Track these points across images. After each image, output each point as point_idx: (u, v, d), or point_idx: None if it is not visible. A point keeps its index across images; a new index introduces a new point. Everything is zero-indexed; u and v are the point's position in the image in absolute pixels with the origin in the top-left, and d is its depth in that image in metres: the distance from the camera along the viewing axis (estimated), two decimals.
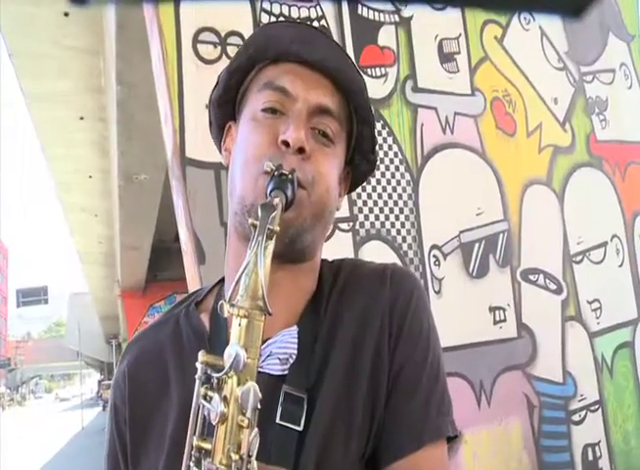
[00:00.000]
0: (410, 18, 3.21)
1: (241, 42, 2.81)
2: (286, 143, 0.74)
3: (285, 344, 0.76)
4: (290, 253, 0.77)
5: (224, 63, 2.72)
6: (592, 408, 3.22)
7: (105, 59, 7.94)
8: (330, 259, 0.88)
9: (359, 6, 3.13)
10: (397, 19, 3.18)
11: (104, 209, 13.85)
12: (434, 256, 2.86)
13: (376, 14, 3.12)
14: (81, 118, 9.72)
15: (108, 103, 8.89)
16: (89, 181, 12.20)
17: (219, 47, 2.71)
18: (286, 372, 0.75)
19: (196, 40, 2.66)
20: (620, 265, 3.56)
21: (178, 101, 2.57)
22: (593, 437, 3.19)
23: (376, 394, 0.74)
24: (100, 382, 44.91)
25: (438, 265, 2.84)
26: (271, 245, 0.64)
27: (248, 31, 2.75)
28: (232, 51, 2.74)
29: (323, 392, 0.72)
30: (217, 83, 0.88)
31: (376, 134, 0.87)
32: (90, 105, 9.36)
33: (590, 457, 3.15)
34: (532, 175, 3.35)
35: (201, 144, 2.52)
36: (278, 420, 0.70)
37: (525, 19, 3.64)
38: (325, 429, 0.71)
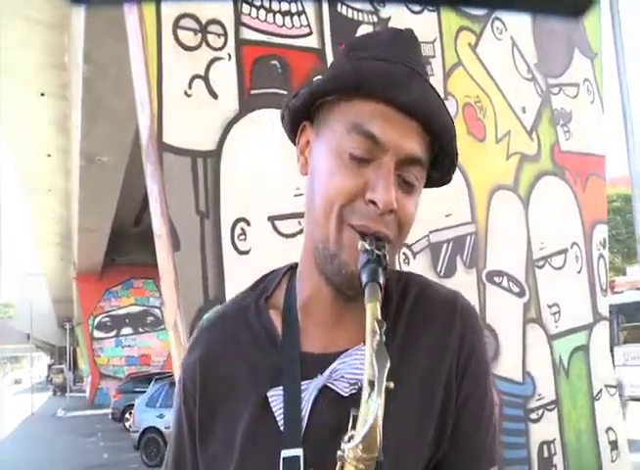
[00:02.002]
0: (388, 19, 3.25)
1: (221, 31, 2.80)
2: (374, 202, 0.73)
3: (355, 366, 0.78)
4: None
5: (204, 50, 2.71)
6: (549, 407, 3.32)
7: (70, 35, 7.75)
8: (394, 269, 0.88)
9: (339, 4, 3.15)
10: (376, 19, 3.21)
11: (62, 188, 13.57)
12: (404, 254, 2.90)
13: (355, 13, 3.15)
14: (42, 95, 9.50)
15: (72, 81, 8.70)
16: (47, 160, 11.92)
17: (200, 34, 2.69)
18: (354, 392, 0.76)
19: (176, 26, 2.63)
20: (579, 272, 3.67)
21: (157, 86, 2.54)
22: (549, 435, 3.29)
23: (444, 424, 0.79)
24: (50, 366, 43.74)
25: (408, 264, 2.89)
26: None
27: (228, 20, 2.74)
28: (212, 39, 2.72)
29: (393, 416, 0.71)
30: (297, 95, 0.82)
31: (456, 162, 0.84)
32: (52, 82, 9.16)
33: (545, 454, 3.25)
34: (500, 181, 3.43)
35: (179, 130, 2.50)
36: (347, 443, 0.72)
37: (497, 28, 3.73)
38: (394, 453, 0.73)
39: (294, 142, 0.87)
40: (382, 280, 0.70)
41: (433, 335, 0.82)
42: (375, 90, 0.75)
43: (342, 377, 0.78)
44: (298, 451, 0.75)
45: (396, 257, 2.82)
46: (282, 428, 0.77)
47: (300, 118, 0.84)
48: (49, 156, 11.79)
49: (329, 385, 0.78)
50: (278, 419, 0.78)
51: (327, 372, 0.79)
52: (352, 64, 0.78)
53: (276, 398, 0.79)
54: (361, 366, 0.75)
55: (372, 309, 0.67)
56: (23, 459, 10.92)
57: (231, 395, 0.81)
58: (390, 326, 0.79)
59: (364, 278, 0.70)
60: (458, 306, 0.86)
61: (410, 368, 0.79)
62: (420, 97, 0.76)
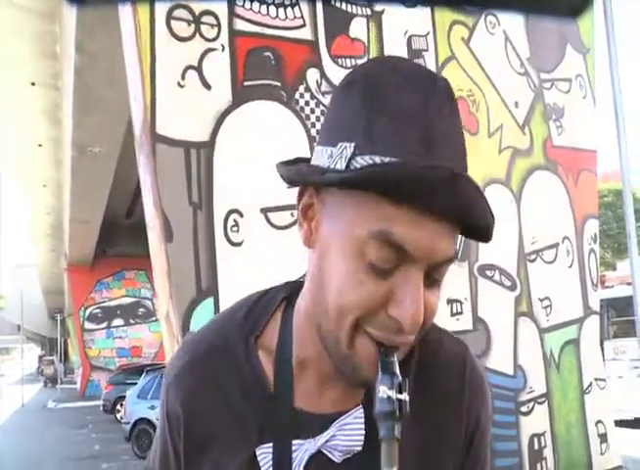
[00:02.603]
0: (382, 12, 3.24)
1: (215, 22, 2.78)
2: (398, 321, 0.64)
3: (352, 436, 0.74)
4: None
5: (198, 41, 2.70)
6: (539, 401, 3.35)
7: (61, 25, 7.68)
8: None
9: None
10: (369, 12, 3.21)
11: (53, 179, 13.44)
12: None
13: (348, 5, 3.14)
14: (33, 84, 9.41)
15: (63, 70, 8.63)
16: (38, 150, 11.81)
17: (193, 25, 2.68)
18: (348, 457, 0.74)
19: (170, 16, 2.62)
20: (570, 266, 3.69)
21: (150, 76, 2.52)
22: (539, 427, 3.32)
23: None
24: (41, 357, 43.56)
25: None
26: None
27: (222, 11, 2.73)
28: (206, 30, 2.71)
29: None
30: (309, 166, 0.73)
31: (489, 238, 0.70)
32: (43, 71, 9.07)
33: (536, 446, 3.28)
34: (492, 175, 3.44)
35: (172, 121, 2.49)
36: None
37: (490, 23, 3.73)
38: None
39: (289, 185, 0.76)
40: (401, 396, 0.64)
41: (437, 405, 0.78)
42: (410, 197, 0.62)
43: (338, 445, 0.74)
44: None
45: None
46: None
47: (305, 188, 0.72)
48: (40, 146, 11.69)
49: (323, 450, 0.74)
50: None
51: (322, 437, 0.74)
52: (379, 163, 0.63)
53: (265, 455, 0.74)
54: (358, 430, 0.73)
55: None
56: (14, 450, 10.89)
57: (217, 444, 0.76)
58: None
59: (380, 430, 0.63)
60: (467, 375, 0.79)
61: (409, 439, 0.73)
62: (463, 201, 0.63)
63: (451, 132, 0.67)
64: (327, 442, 0.73)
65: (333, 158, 0.66)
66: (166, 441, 0.80)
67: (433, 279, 0.66)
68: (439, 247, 0.64)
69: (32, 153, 11.96)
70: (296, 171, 0.73)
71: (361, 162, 0.63)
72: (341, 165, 0.65)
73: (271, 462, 0.73)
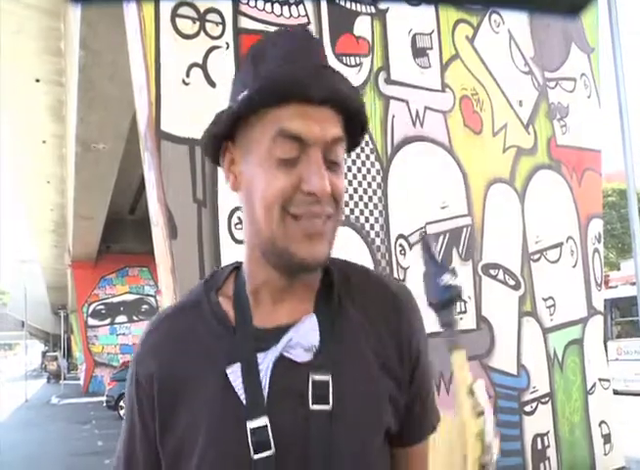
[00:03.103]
0: (386, 10, 3.24)
1: (219, 20, 2.78)
2: (311, 193, 0.79)
3: (308, 333, 0.84)
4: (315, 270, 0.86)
5: (202, 39, 2.70)
6: (543, 400, 3.35)
7: (66, 22, 7.70)
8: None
9: None
10: (373, 10, 3.20)
11: (57, 175, 13.45)
12: (401, 245, 2.91)
13: (353, 3, 3.13)
14: (37, 81, 9.41)
15: (67, 67, 8.63)
16: (42, 146, 11.82)
17: (198, 23, 2.67)
18: (310, 358, 0.82)
19: (175, 14, 2.62)
20: (574, 266, 3.68)
21: (155, 74, 2.52)
22: (542, 427, 3.31)
23: (397, 396, 0.86)
24: (44, 353, 43.57)
25: (404, 255, 2.89)
26: None
27: (226, 9, 2.72)
28: (210, 27, 2.71)
29: (345, 375, 0.81)
30: (215, 122, 0.87)
31: (368, 127, 0.90)
32: (48, 68, 9.07)
33: (539, 446, 3.27)
34: (496, 174, 3.43)
35: (176, 118, 2.49)
36: (311, 405, 0.80)
37: (495, 21, 3.72)
38: (351, 406, 0.81)
39: (216, 163, 0.90)
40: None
41: (377, 323, 0.88)
42: (289, 94, 0.80)
43: (298, 344, 0.83)
44: (264, 420, 0.79)
45: (378, 244, 2.84)
46: (244, 401, 0.80)
47: (221, 140, 0.87)
48: (44, 142, 11.70)
49: (285, 354, 0.82)
50: (240, 393, 0.81)
51: (282, 342, 0.82)
52: (263, 76, 0.82)
53: (234, 373, 0.82)
54: (313, 329, 0.83)
55: None
56: (17, 446, 10.93)
57: (190, 382, 0.84)
58: (336, 303, 0.87)
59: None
60: (400, 295, 0.91)
61: (358, 341, 0.85)
62: (330, 86, 0.82)
63: (316, 45, 0.86)
64: (286, 345, 0.82)
65: (234, 99, 0.82)
66: (134, 417, 0.87)
67: (331, 162, 0.81)
68: (327, 130, 0.79)
69: (36, 149, 11.98)
70: (207, 135, 0.86)
71: (253, 85, 0.80)
72: (237, 96, 0.81)
73: (241, 377, 0.81)
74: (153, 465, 0.86)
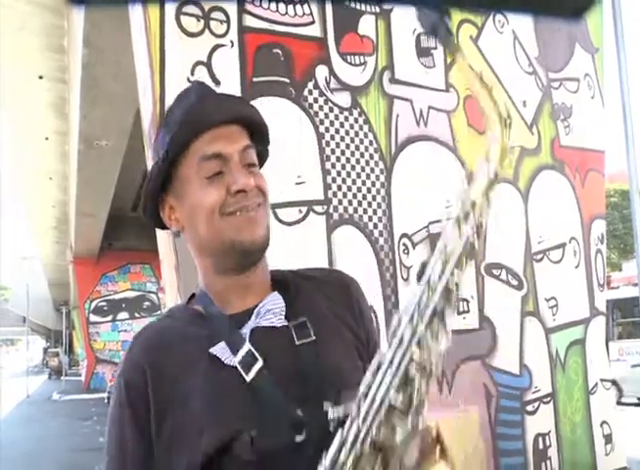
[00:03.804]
0: (390, 10, 3.24)
1: (224, 18, 2.79)
2: (240, 191, 0.95)
3: (274, 302, 0.99)
4: (261, 257, 1.03)
5: (207, 37, 2.70)
6: (545, 400, 3.36)
7: (69, 19, 7.72)
8: None
9: None
10: (378, 9, 3.20)
11: (59, 172, 13.50)
12: (404, 244, 2.92)
13: (357, 3, 3.14)
14: (40, 78, 9.45)
15: (70, 64, 8.66)
16: (45, 143, 11.87)
17: (202, 21, 2.68)
18: (285, 323, 0.97)
19: (179, 12, 2.62)
20: (577, 267, 3.69)
21: (159, 72, 2.53)
22: (544, 427, 3.32)
23: (360, 349, 1.03)
24: (46, 349, 43.65)
25: (407, 254, 2.90)
26: None
27: (231, 7, 2.73)
28: (215, 26, 2.72)
29: (316, 319, 0.98)
30: (149, 180, 1.02)
31: (268, 131, 1.12)
32: (51, 65, 9.11)
33: (541, 446, 3.29)
34: (500, 174, 3.43)
35: None
36: (297, 342, 0.95)
37: (499, 21, 3.72)
38: (329, 338, 0.97)
39: (156, 220, 1.05)
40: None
41: (332, 298, 1.05)
42: (201, 125, 0.97)
43: (268, 311, 0.98)
44: (260, 364, 0.89)
45: (382, 243, 2.85)
46: (236, 363, 0.90)
47: (157, 195, 1.02)
48: (47, 139, 11.74)
49: (260, 324, 0.96)
50: (229, 361, 0.90)
51: (254, 314, 0.97)
52: (170, 130, 0.98)
53: (219, 350, 0.92)
54: (278, 299, 0.99)
55: None
56: (19, 441, 10.96)
57: (180, 372, 0.92)
58: (294, 289, 1.03)
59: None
60: (345, 275, 1.13)
61: (320, 310, 1.02)
62: (231, 109, 1.01)
63: (205, 88, 1.06)
64: (258, 316, 0.96)
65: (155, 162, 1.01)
66: (122, 418, 0.92)
67: (249, 164, 0.99)
68: (237, 142, 0.98)
69: (39, 146, 12.02)
70: (145, 194, 1.03)
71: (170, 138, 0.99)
72: (159, 155, 1.00)
73: (228, 349, 0.92)
74: None
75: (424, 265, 0.81)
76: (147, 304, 21.59)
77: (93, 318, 21.06)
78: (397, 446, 0.75)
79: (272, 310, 0.98)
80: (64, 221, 17.32)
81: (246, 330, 0.95)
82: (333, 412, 0.81)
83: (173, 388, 0.90)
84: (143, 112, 2.70)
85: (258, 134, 1.07)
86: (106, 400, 15.36)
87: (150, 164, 2.72)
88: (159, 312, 20.97)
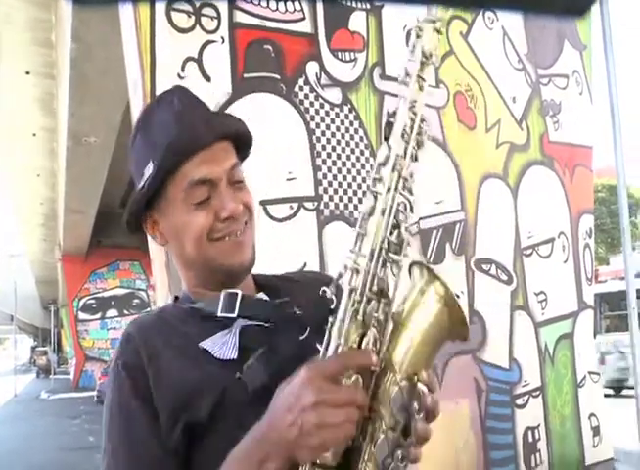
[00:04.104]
0: (381, 6, 3.25)
1: (215, 14, 2.79)
2: (229, 217, 0.95)
3: (260, 298, 1.03)
4: (247, 275, 1.04)
5: (198, 33, 2.70)
6: (534, 394, 3.39)
7: (57, 13, 7.64)
8: None
9: None
10: (368, 6, 3.21)
11: (47, 169, 13.37)
12: None
13: None
14: (27, 73, 9.34)
15: (58, 60, 8.58)
16: (33, 139, 11.74)
17: (193, 17, 2.67)
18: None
19: (170, 8, 2.62)
20: (565, 261, 3.72)
21: (150, 68, 2.52)
22: (534, 420, 3.36)
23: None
24: (33, 348, 43.35)
25: None
26: None
27: (222, 3, 2.72)
28: (206, 22, 2.71)
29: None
30: (133, 201, 1.01)
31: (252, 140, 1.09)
32: (38, 60, 9.00)
33: (530, 439, 3.33)
34: (489, 169, 3.46)
35: None
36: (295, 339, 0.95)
37: (489, 18, 3.73)
38: (313, 316, 0.94)
39: (137, 232, 1.06)
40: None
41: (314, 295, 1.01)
42: (188, 151, 0.95)
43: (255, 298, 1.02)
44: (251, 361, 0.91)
45: None
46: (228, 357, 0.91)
47: (141, 214, 1.02)
48: (34, 135, 11.63)
49: (248, 322, 0.96)
50: (218, 354, 0.91)
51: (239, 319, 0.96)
52: (160, 146, 0.95)
53: (210, 344, 0.92)
54: (264, 297, 1.03)
55: None
56: (6, 440, 10.88)
57: (173, 358, 0.92)
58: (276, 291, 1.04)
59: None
60: (326, 275, 1.18)
61: (299, 300, 1.01)
62: (217, 126, 1.00)
63: (185, 97, 1.02)
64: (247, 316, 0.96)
65: (143, 180, 0.98)
66: (124, 393, 0.91)
67: (236, 182, 0.98)
68: (225, 162, 0.97)
69: (26, 142, 11.90)
70: (129, 214, 1.02)
71: (155, 165, 0.95)
72: (148, 177, 0.97)
73: (218, 343, 0.92)
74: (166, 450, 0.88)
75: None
76: (136, 301, 21.49)
77: (82, 316, 20.94)
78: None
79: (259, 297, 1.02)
80: (52, 218, 17.19)
81: (236, 326, 0.95)
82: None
83: (167, 367, 0.91)
84: (133, 108, 2.69)
85: (244, 146, 1.06)
86: (95, 399, 15.29)
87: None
88: (148, 310, 20.84)
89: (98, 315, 21.18)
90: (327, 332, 0.78)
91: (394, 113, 0.84)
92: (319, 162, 2.83)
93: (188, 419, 0.86)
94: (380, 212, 0.79)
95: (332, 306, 0.81)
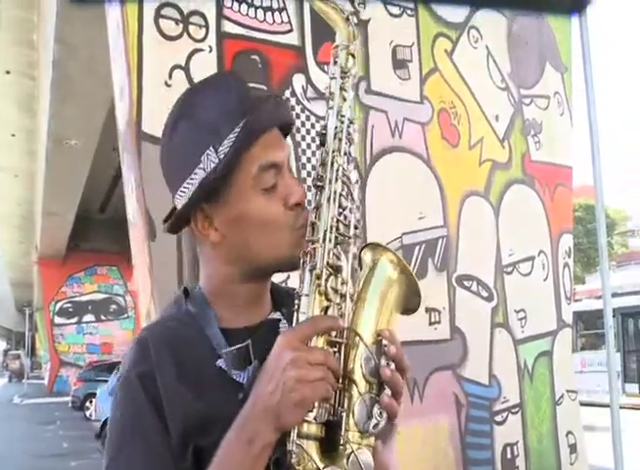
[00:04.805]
0: (367, 21, 3.26)
1: (203, 23, 2.78)
2: (299, 203, 0.92)
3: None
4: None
5: (185, 41, 2.69)
6: (513, 410, 3.41)
7: (40, 13, 7.58)
8: None
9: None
10: (355, 20, 3.22)
11: (25, 170, 13.24)
12: None
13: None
14: (7, 73, 9.25)
15: (40, 61, 8.51)
16: (12, 139, 11.62)
17: (181, 25, 2.67)
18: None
19: (158, 15, 2.61)
20: (545, 279, 3.76)
21: (137, 74, 2.51)
22: (512, 437, 3.38)
23: None
24: (6, 352, 42.63)
25: None
26: None
27: (210, 12, 2.72)
28: (194, 30, 2.71)
29: None
30: (198, 188, 0.94)
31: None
32: (19, 59, 8.92)
33: (509, 455, 3.34)
34: (472, 187, 3.48)
35: (158, 120, 2.46)
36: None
37: (473, 37, 3.78)
38: None
39: (174, 231, 1.01)
40: None
41: None
42: (255, 132, 0.91)
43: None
44: None
45: (355, 251, 2.86)
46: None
47: (192, 209, 0.95)
48: (13, 136, 11.52)
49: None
50: (235, 377, 0.88)
51: (257, 335, 0.92)
52: (214, 139, 0.91)
53: (226, 363, 0.89)
54: (284, 326, 0.96)
55: None
56: None
57: (184, 374, 0.89)
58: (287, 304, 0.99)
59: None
60: None
61: None
62: (281, 112, 0.99)
63: (243, 82, 0.99)
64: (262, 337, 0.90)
65: (204, 168, 0.91)
66: (139, 406, 0.87)
67: (290, 170, 0.96)
68: (286, 148, 0.95)
69: (5, 142, 11.78)
70: (183, 208, 0.95)
71: (222, 150, 0.90)
72: (215, 163, 0.90)
73: (234, 365, 0.89)
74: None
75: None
76: (113, 307, 21.29)
77: (58, 320, 20.67)
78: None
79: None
80: (29, 220, 17.01)
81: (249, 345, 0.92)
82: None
83: (177, 383, 0.88)
84: (119, 114, 2.67)
85: (285, 136, 1.01)
86: (70, 405, 15.08)
87: (127, 166, 2.70)
88: (125, 315, 20.71)
89: (74, 320, 20.95)
90: (294, 314, 0.84)
91: (325, 125, 0.93)
92: (304, 174, 2.83)
93: (198, 443, 0.84)
94: (325, 201, 0.87)
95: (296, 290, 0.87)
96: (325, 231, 0.86)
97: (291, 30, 2.96)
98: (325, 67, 3.07)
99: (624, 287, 15.19)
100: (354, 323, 0.84)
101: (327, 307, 0.84)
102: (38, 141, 11.11)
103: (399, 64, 3.36)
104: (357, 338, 0.82)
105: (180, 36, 2.65)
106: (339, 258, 0.85)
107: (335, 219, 0.87)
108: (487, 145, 3.66)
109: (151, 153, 2.42)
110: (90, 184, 12.18)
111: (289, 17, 2.97)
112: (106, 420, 9.77)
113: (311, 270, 0.85)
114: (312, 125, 2.92)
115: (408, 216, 3.12)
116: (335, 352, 0.81)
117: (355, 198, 0.90)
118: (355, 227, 0.89)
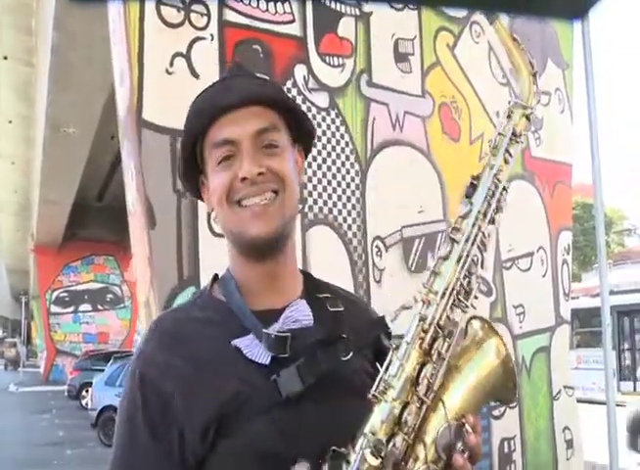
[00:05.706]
0: (370, 13, 3.25)
1: (205, 11, 2.77)
2: (244, 178, 0.94)
3: (303, 313, 0.98)
4: (278, 248, 1.00)
5: (187, 29, 2.67)
6: (511, 405, 3.40)
7: None
8: None
9: None
10: (358, 12, 3.21)
11: (22, 157, 13.22)
12: (377, 246, 2.93)
13: (338, 4, 3.14)
14: (5, 58, 9.21)
15: (38, 47, 8.46)
16: (8, 126, 11.59)
17: (183, 12, 2.65)
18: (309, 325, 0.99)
19: (160, 2, 2.59)
20: (544, 275, 3.75)
21: (138, 61, 2.49)
22: (510, 431, 3.38)
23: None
24: (2, 339, 42.54)
25: (380, 256, 2.91)
26: None
27: (212, 1, 2.70)
28: (195, 18, 2.69)
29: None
30: (179, 163, 1.05)
31: (310, 118, 1.09)
32: (17, 45, 8.88)
33: (506, 450, 3.35)
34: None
35: (159, 108, 2.46)
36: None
37: (475, 31, 3.76)
38: (358, 339, 1.00)
39: (198, 197, 1.09)
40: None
41: (353, 318, 1.06)
42: (207, 117, 0.97)
43: (296, 322, 0.96)
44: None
45: (355, 244, 2.87)
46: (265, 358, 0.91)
47: (192, 177, 1.06)
48: (10, 122, 11.48)
49: (291, 327, 0.95)
50: (252, 356, 0.91)
51: (281, 319, 0.95)
52: (187, 119, 1.02)
53: (245, 344, 0.91)
54: (307, 312, 0.98)
55: None
56: None
57: (204, 367, 0.91)
58: (317, 292, 1.04)
59: None
60: (363, 301, 1.31)
61: (344, 330, 1.01)
62: (242, 91, 0.98)
63: (237, 67, 1.09)
64: (285, 320, 0.95)
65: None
66: (135, 416, 0.90)
67: (268, 146, 0.96)
68: (249, 125, 0.95)
69: (1, 129, 11.74)
70: (179, 175, 1.08)
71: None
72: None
73: (253, 342, 0.92)
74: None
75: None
76: (110, 296, 21.28)
77: (54, 309, 20.65)
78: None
79: (300, 322, 0.97)
80: (26, 208, 16.98)
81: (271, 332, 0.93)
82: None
83: (188, 386, 0.90)
84: (119, 101, 2.66)
85: (291, 117, 1.02)
86: (66, 394, 15.09)
87: (127, 153, 2.68)
88: (122, 305, 20.72)
89: (71, 309, 20.95)
90: (389, 354, 0.86)
91: (478, 176, 0.96)
92: (304, 165, 2.82)
93: (221, 424, 0.88)
94: (456, 258, 0.90)
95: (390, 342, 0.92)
96: (446, 289, 0.89)
97: (293, 21, 2.94)
98: (327, 58, 3.05)
99: (621, 285, 15.25)
100: (443, 389, 0.85)
101: (423, 364, 0.85)
102: (35, 128, 11.08)
103: (401, 57, 3.34)
104: (441, 404, 0.83)
105: (182, 24, 2.64)
106: (450, 322, 0.88)
107: (459, 283, 0.90)
108: (488, 140, 3.64)
109: (151, 141, 2.42)
110: (88, 172, 12.15)
111: (291, 7, 2.96)
112: (102, 409, 9.80)
113: (420, 319, 0.87)
114: (313, 116, 2.90)
115: (408, 210, 3.11)
116: (415, 407, 0.82)
117: (483, 268, 0.94)
118: (475, 297, 0.93)
